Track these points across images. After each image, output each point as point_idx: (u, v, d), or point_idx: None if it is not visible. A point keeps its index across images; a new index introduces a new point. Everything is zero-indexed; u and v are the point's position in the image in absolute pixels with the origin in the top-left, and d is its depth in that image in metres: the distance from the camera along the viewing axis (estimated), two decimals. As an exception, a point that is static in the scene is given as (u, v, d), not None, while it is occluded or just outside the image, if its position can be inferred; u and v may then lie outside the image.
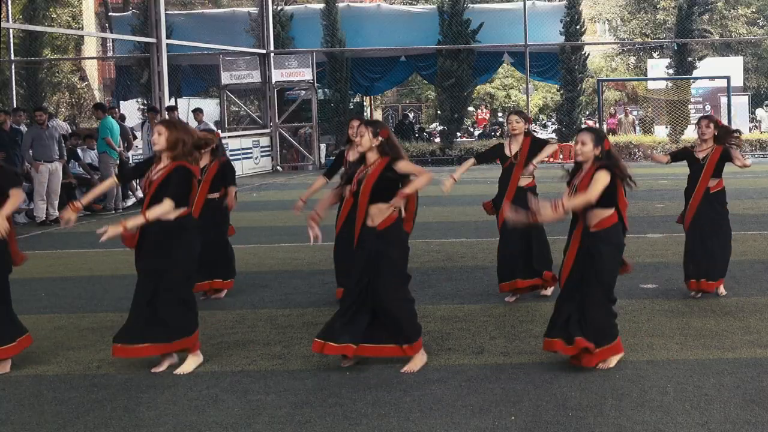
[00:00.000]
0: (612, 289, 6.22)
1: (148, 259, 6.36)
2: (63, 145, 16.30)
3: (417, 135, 32.82)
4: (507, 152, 8.56)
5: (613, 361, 6.20)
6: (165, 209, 6.15)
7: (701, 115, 8.89)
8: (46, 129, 15.98)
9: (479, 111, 30.92)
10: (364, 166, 6.30)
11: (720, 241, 8.41)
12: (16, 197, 6.51)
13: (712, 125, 8.48)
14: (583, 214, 6.21)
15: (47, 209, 15.89)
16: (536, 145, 8.63)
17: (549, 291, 8.59)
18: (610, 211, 6.15)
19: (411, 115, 40.24)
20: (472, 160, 8.66)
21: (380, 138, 6.19)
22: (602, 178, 6.02)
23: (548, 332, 6.23)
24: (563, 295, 6.24)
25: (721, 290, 8.49)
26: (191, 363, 6.42)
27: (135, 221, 6.23)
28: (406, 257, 6.34)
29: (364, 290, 6.20)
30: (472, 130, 37.87)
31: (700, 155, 8.49)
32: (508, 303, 8.40)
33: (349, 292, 6.29)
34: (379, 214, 6.20)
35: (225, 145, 24.22)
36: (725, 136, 8.48)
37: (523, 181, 8.50)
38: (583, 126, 6.71)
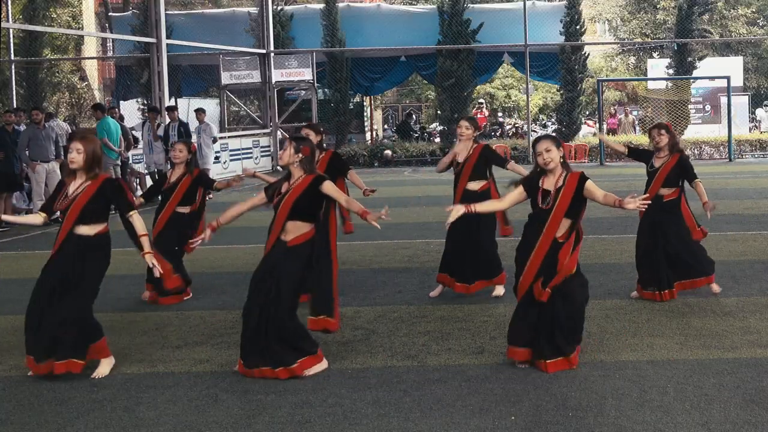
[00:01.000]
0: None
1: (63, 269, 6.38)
2: (60, 144, 16.28)
3: (417, 135, 32.83)
4: (458, 159, 8.70)
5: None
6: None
7: (654, 124, 8.95)
8: (42, 129, 15.96)
9: (479, 111, 30.88)
10: (287, 181, 6.30)
11: (682, 244, 8.33)
12: None
13: (664, 132, 8.44)
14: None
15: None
16: (488, 156, 8.69)
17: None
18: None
19: (414, 117, 40.35)
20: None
21: (301, 155, 6.22)
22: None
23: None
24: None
25: (715, 288, 8.50)
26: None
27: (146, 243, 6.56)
28: (304, 277, 6.24)
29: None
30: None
31: (656, 163, 8.46)
32: (508, 303, 8.39)
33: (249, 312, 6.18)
34: (294, 230, 6.19)
35: (225, 145, 24.35)
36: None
37: (474, 186, 8.57)
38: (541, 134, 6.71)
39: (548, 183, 6.18)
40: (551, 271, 6.07)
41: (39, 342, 6.19)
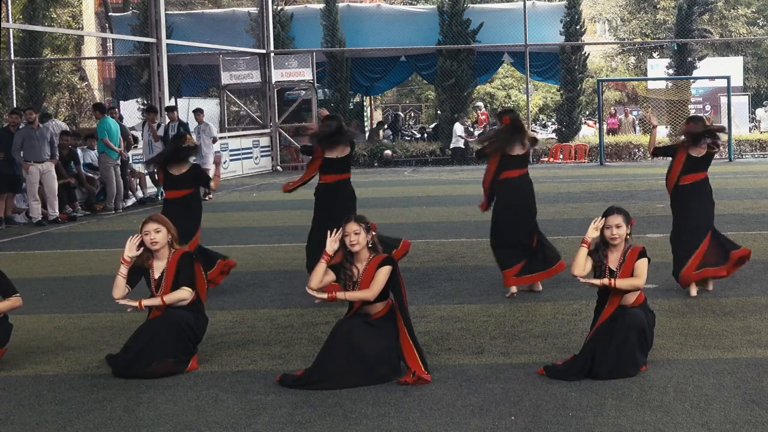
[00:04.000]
0: None
1: None
2: (55, 145, 16.24)
3: (408, 136, 33.02)
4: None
5: None
6: (183, 295, 6.42)
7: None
8: (36, 129, 15.93)
9: (482, 113, 30.95)
10: (353, 263, 6.27)
11: None
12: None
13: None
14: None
15: (46, 209, 15.88)
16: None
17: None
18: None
19: (402, 115, 40.52)
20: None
21: (372, 233, 6.25)
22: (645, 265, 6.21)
23: None
24: None
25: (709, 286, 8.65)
26: None
27: (152, 302, 6.45)
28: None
29: None
30: (472, 129, 37.88)
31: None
32: (508, 303, 8.41)
33: None
34: (371, 310, 6.25)
35: (225, 145, 24.34)
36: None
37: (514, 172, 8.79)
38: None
39: (612, 260, 6.21)
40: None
41: None
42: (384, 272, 6.08)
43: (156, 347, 6.27)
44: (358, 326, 6.10)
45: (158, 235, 6.53)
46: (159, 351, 6.27)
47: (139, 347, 6.28)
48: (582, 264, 6.22)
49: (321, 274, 6.18)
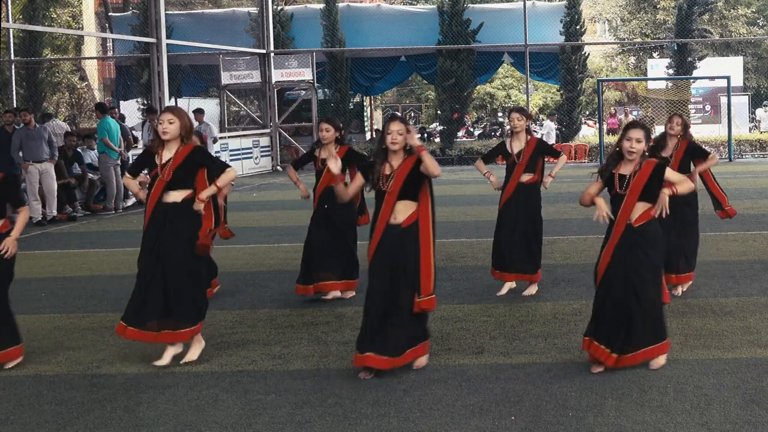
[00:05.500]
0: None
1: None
2: (55, 145, 16.23)
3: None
4: (509, 149, 8.76)
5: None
6: (232, 175, 6.66)
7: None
8: (33, 129, 15.92)
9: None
10: (387, 162, 6.24)
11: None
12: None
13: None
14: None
15: (45, 209, 15.88)
16: (543, 149, 8.79)
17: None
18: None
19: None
20: (480, 162, 8.98)
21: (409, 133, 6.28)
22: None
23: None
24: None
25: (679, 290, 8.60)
26: None
27: (209, 191, 6.60)
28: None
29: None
30: (472, 129, 37.93)
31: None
32: (508, 303, 8.40)
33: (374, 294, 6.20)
34: (405, 210, 6.22)
35: (225, 145, 24.34)
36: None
37: (525, 177, 8.70)
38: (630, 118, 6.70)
39: (623, 170, 6.21)
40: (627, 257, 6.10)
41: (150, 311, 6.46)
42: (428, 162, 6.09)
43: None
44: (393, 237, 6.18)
45: (171, 126, 6.52)
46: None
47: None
48: (592, 190, 6.29)
49: (354, 190, 6.44)
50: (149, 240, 6.58)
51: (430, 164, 6.09)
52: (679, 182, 6.21)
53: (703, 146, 8.95)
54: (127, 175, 6.89)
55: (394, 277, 6.12)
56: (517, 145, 8.73)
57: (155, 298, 6.50)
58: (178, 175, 6.50)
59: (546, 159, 9.03)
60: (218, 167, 6.71)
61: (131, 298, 6.62)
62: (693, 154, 8.56)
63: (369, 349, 6.03)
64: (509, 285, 8.81)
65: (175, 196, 6.54)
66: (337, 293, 8.64)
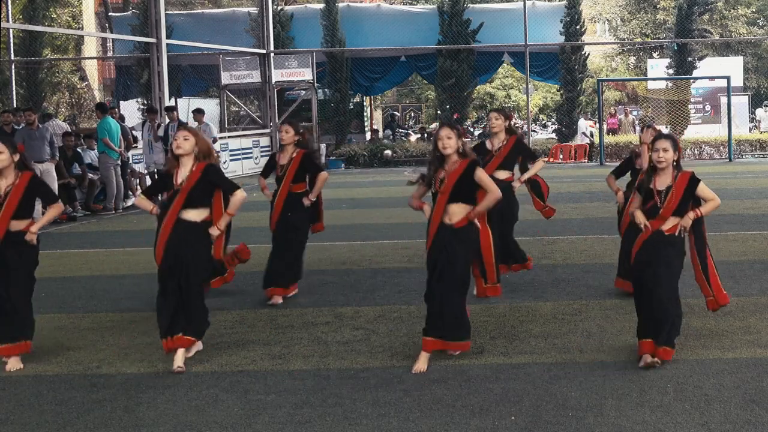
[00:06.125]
0: None
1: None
2: (55, 145, 16.24)
3: (402, 135, 33.26)
4: (489, 147, 8.85)
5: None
6: (241, 197, 6.67)
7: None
8: (36, 129, 15.93)
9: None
10: (442, 167, 6.50)
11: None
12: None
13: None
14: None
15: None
16: (521, 149, 8.91)
17: None
18: None
19: (398, 115, 40.84)
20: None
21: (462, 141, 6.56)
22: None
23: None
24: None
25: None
26: None
27: (225, 220, 6.69)
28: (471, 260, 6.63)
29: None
30: (472, 129, 37.95)
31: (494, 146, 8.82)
32: (508, 303, 8.40)
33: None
34: (458, 212, 6.45)
35: (225, 145, 24.33)
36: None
37: (501, 175, 8.71)
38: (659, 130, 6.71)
39: (659, 183, 6.39)
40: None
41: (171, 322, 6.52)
42: (480, 172, 6.46)
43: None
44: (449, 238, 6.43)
45: (186, 142, 6.64)
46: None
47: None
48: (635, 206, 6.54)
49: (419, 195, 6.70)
50: (169, 258, 6.58)
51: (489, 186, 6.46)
52: (710, 199, 6.43)
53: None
54: (142, 195, 7.02)
55: (438, 271, 6.38)
56: (496, 144, 8.81)
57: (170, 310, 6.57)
58: (195, 194, 6.59)
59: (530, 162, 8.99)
60: (229, 187, 6.73)
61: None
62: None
63: (431, 334, 6.40)
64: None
65: (193, 215, 6.62)
66: (279, 299, 8.67)
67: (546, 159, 28.01)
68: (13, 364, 6.63)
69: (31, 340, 6.79)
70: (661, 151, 6.30)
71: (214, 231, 6.64)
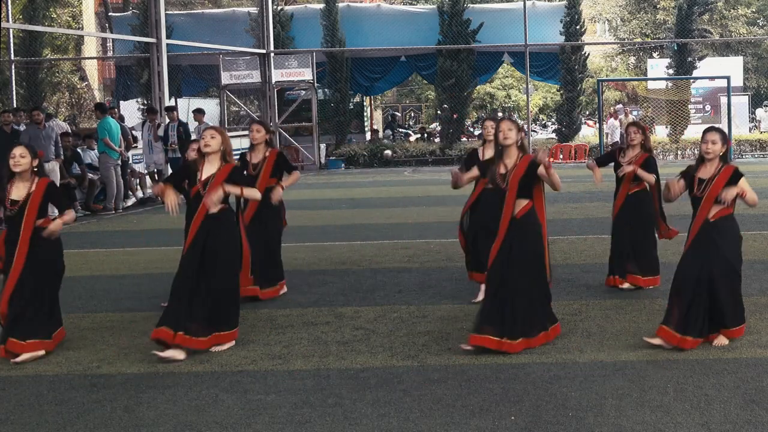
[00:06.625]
0: None
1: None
2: (60, 145, 16.27)
3: (401, 135, 33.32)
4: (480, 157, 8.57)
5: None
6: (256, 195, 7.22)
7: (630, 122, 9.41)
8: (43, 129, 15.97)
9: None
10: (502, 161, 6.81)
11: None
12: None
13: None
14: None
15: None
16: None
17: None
18: None
19: (399, 115, 40.92)
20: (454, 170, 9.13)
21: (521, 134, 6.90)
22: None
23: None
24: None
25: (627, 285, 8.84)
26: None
27: (232, 189, 6.93)
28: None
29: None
30: (472, 129, 37.96)
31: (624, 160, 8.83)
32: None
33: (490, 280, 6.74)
34: (519, 206, 6.76)
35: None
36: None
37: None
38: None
39: (704, 172, 6.71)
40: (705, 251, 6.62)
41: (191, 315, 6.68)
42: (541, 169, 6.72)
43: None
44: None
45: (213, 140, 6.92)
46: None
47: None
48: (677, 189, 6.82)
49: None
50: (194, 251, 6.80)
51: (555, 181, 6.73)
52: (750, 191, 6.65)
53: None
54: (165, 183, 7.15)
55: (514, 265, 6.64)
56: (489, 153, 8.65)
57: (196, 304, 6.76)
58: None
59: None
60: (250, 186, 7.28)
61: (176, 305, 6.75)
62: (647, 167, 8.68)
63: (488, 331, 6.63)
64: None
65: (215, 209, 6.90)
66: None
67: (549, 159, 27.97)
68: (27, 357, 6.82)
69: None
70: (710, 143, 6.65)
71: (221, 191, 6.84)
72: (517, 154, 6.79)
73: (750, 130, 31.43)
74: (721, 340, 6.71)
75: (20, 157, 6.83)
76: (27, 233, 6.84)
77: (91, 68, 39.71)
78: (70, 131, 19.35)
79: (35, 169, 6.94)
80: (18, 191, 6.89)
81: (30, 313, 6.82)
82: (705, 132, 6.79)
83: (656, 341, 6.62)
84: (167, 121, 19.27)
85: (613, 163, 8.89)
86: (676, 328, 6.53)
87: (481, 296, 8.66)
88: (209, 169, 6.92)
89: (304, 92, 28.72)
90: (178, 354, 6.63)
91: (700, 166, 6.75)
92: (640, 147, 8.74)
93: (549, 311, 6.95)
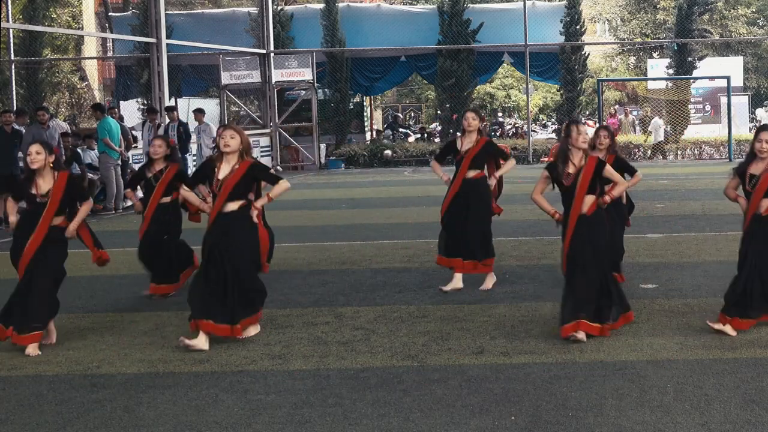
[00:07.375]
0: None
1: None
2: (62, 145, 16.27)
3: (401, 135, 33.38)
4: (458, 147, 8.98)
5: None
6: (285, 186, 7.26)
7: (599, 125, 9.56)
8: (47, 129, 15.98)
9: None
10: (569, 161, 7.09)
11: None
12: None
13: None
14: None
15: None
16: (490, 150, 9.04)
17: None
18: None
19: (401, 116, 40.95)
20: (436, 163, 9.34)
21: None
22: None
23: None
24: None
25: None
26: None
27: (263, 201, 7.38)
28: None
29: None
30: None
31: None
32: (508, 303, 8.40)
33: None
34: (588, 202, 7.08)
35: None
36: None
37: (471, 173, 8.89)
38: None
39: (755, 168, 7.06)
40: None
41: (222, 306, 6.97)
42: (608, 168, 7.21)
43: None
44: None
45: (233, 140, 7.13)
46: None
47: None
48: (733, 186, 7.24)
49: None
50: (211, 247, 7.06)
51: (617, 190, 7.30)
52: None
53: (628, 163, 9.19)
54: (185, 187, 7.55)
55: (597, 259, 7.00)
56: (467, 143, 8.93)
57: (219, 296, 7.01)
58: (237, 190, 7.09)
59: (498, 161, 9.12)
60: (273, 179, 7.30)
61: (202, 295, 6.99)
62: (622, 168, 8.70)
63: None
64: (458, 279, 8.94)
65: (232, 206, 7.10)
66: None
67: (546, 159, 28.03)
68: (32, 350, 6.95)
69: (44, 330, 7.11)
70: (764, 142, 6.97)
71: (253, 212, 7.14)
72: (583, 155, 7.09)
73: (750, 130, 31.40)
74: None
75: (36, 154, 7.07)
76: (45, 224, 7.06)
77: (91, 68, 39.72)
78: (69, 131, 19.34)
79: (51, 165, 7.14)
80: (46, 184, 7.13)
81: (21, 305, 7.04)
82: (759, 131, 7.09)
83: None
84: (167, 121, 19.26)
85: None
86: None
87: (451, 286, 8.88)
88: (226, 167, 7.12)
89: (304, 92, 28.72)
90: (202, 343, 6.85)
91: (751, 162, 7.07)
92: (607, 150, 8.85)
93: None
